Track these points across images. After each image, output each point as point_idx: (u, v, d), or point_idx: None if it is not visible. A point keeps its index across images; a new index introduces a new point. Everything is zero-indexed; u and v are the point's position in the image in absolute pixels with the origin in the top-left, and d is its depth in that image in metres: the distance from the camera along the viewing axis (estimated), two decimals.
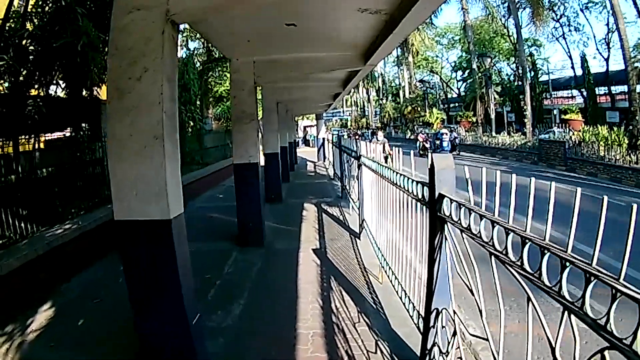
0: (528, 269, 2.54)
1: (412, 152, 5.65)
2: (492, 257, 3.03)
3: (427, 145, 36.53)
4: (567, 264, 2.18)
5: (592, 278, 2.01)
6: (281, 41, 8.75)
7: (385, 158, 8.17)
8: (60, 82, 11.34)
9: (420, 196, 4.68)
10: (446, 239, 3.96)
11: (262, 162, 12.01)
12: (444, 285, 4.07)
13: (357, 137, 39.35)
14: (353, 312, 6.32)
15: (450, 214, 3.72)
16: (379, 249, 7.91)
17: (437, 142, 36.44)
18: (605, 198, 2.12)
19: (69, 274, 8.29)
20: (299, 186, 20.51)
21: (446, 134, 37.42)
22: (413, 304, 5.46)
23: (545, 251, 2.36)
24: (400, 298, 6.09)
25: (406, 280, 5.83)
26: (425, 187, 4.45)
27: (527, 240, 2.53)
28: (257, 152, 10.07)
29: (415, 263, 5.37)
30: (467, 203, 3.41)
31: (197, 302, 5.40)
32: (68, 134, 11.88)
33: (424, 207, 4.62)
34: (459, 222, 3.52)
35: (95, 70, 10.69)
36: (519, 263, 2.64)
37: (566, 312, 2.23)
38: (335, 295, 6.99)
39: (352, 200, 12.75)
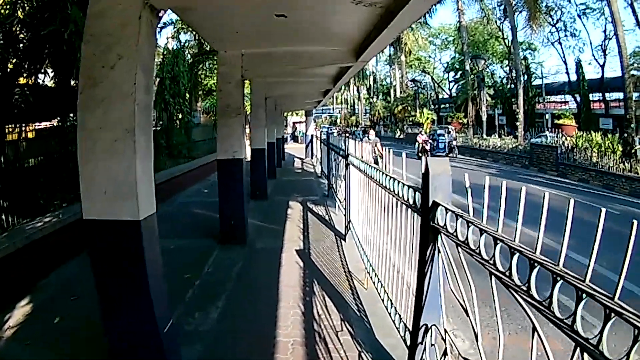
0: (536, 296, 2.21)
1: (403, 153, 5.25)
2: (493, 277, 2.72)
3: (427, 148, 34.50)
4: (584, 295, 1.86)
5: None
6: (271, 34, 8.42)
7: (376, 159, 7.77)
8: (49, 70, 11.20)
9: (411, 202, 4.36)
10: (439, 251, 3.65)
11: (248, 158, 11.75)
12: (434, 300, 3.77)
13: (347, 135, 39.01)
14: (336, 320, 6.04)
15: (445, 225, 3.41)
16: (364, 252, 7.61)
17: (433, 143, 36.74)
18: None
19: (48, 269, 8.03)
20: (285, 183, 20.21)
21: (442, 134, 37.34)
22: (400, 315, 5.15)
23: (558, 278, 2.03)
24: (386, 307, 5.78)
25: (393, 289, 5.51)
26: (417, 193, 4.12)
27: (535, 264, 2.21)
28: (242, 147, 9.77)
29: (403, 271, 5.06)
30: (465, 214, 3.10)
31: (170, 309, 5.17)
32: (55, 124, 11.65)
33: (415, 214, 4.32)
34: (454, 234, 3.21)
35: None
36: (524, 288, 2.32)
37: (578, 349, 1.90)
38: (317, 300, 6.71)
39: (339, 199, 12.50)
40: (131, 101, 4.03)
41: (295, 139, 58.83)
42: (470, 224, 2.96)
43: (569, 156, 26.09)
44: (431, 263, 3.72)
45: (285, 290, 7.11)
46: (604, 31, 50.75)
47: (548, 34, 54.80)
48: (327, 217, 12.53)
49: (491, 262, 2.67)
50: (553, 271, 2.04)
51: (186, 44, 34.07)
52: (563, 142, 28.09)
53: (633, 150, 24.22)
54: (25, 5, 10.26)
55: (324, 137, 20.56)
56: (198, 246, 9.68)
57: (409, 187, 4.46)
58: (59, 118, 11.41)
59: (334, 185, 14.33)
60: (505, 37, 59.13)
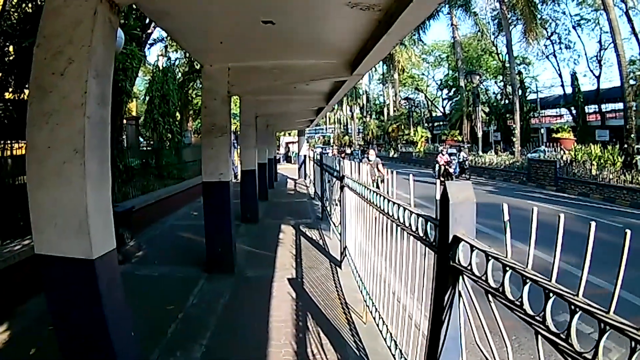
0: None
1: (410, 177, 4.51)
2: (539, 336, 2.05)
3: (451, 170, 30.16)
4: None
5: None
6: (258, 45, 7.87)
7: (377, 182, 6.95)
8: None
9: (422, 234, 3.65)
10: (461, 296, 2.94)
11: (239, 179, 11.20)
12: (453, 352, 3.08)
13: (343, 155, 38.33)
14: None
15: (470, 266, 2.72)
16: (362, 283, 6.89)
17: (435, 163, 33.21)
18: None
19: (26, 295, 7.44)
20: (277, 205, 19.61)
21: (454, 154, 33.23)
22: (406, 358, 4.43)
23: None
24: (389, 347, 5.04)
25: (398, 328, 4.78)
26: (430, 224, 3.46)
27: (606, 326, 1.57)
28: (229, 169, 9.13)
29: (411, 309, 4.36)
30: (500, 255, 2.42)
31: (139, 354, 4.49)
32: None
33: (427, 248, 3.61)
34: (484, 279, 2.53)
35: None
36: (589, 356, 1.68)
37: None
38: (311, 338, 6.06)
39: (333, 223, 11.82)
40: (80, 114, 3.41)
41: (288, 159, 58.53)
42: (508, 269, 2.28)
43: (568, 170, 25.72)
44: (450, 309, 3.01)
45: (276, 327, 6.44)
46: (599, 42, 51.62)
47: (542, 47, 55.06)
48: (321, 242, 11.88)
49: (539, 319, 2.04)
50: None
51: (177, 62, 33.78)
52: (561, 157, 27.75)
53: (634, 161, 23.92)
54: (13, 17, 9.93)
55: (317, 157, 19.83)
56: (183, 275, 9.04)
57: (421, 216, 3.74)
58: None
59: (328, 208, 13.65)
60: (499, 52, 59.85)
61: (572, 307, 1.81)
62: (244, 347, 5.91)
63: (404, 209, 4.24)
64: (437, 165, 31.17)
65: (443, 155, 30.85)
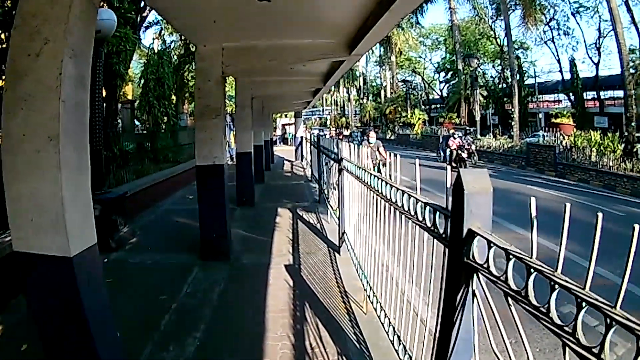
0: None
1: (416, 161, 4.10)
2: (567, 348, 1.80)
3: (465, 156, 27.10)
4: None
5: None
6: (254, 24, 7.60)
7: (378, 165, 6.54)
8: None
9: (430, 225, 3.36)
10: (475, 296, 2.65)
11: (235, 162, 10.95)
12: (464, 356, 2.82)
13: (341, 137, 37.83)
14: (332, 353, 5.18)
15: (487, 264, 2.44)
16: (362, 271, 6.63)
17: (447, 147, 30.79)
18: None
19: (19, 289, 7.05)
20: (274, 188, 19.39)
21: (459, 137, 29.86)
22: (410, 355, 4.17)
23: None
24: (392, 342, 4.78)
25: (401, 321, 4.52)
26: (440, 215, 3.16)
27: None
28: (223, 152, 8.87)
29: (416, 303, 4.11)
30: (523, 254, 2.15)
31: (123, 354, 4.25)
32: None
33: (436, 241, 3.32)
34: (503, 279, 2.26)
35: None
36: None
37: None
38: (310, 329, 5.81)
39: (331, 206, 11.58)
40: (55, 98, 3.14)
41: (284, 141, 58.45)
42: (532, 271, 2.01)
43: (568, 156, 25.55)
44: (462, 309, 2.74)
45: (272, 317, 6.20)
46: (598, 29, 51.03)
47: (541, 32, 54.68)
48: (318, 226, 11.64)
49: (569, 330, 1.79)
50: None
51: (172, 45, 33.51)
52: (561, 142, 27.44)
53: (635, 150, 23.60)
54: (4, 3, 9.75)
55: (314, 139, 19.61)
56: (177, 262, 8.78)
57: (429, 205, 3.44)
58: None
59: (326, 191, 13.42)
60: (497, 36, 59.55)
61: (608, 320, 1.59)
62: (239, 340, 5.67)
63: (409, 196, 3.93)
64: (447, 150, 28.38)
65: (455, 138, 28.28)
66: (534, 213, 2.04)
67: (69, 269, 3.30)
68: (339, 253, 8.96)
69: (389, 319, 4.94)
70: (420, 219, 3.59)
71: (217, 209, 8.87)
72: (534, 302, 2.02)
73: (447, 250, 3.02)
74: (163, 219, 13.12)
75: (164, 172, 17.83)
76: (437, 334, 3.09)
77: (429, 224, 3.40)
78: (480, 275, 2.54)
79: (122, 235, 9.95)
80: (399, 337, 4.54)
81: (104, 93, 18.39)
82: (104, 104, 18.36)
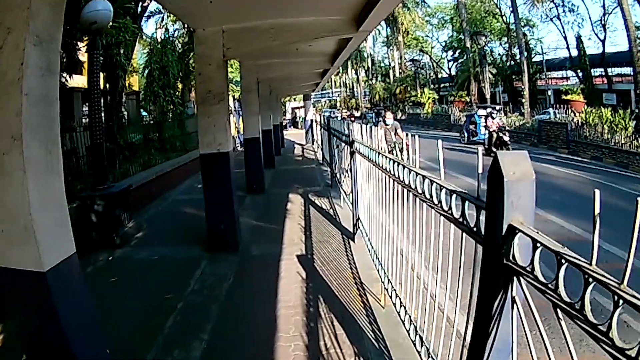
0: None
1: (439, 142, 3.50)
2: None
3: (507, 139, 22.75)
4: None
5: None
6: (255, 3, 7.29)
7: (396, 148, 5.98)
8: None
9: (460, 217, 2.91)
10: (514, 302, 2.19)
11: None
12: None
13: (353, 119, 37.28)
14: (349, 355, 4.78)
15: (532, 267, 1.99)
16: (379, 261, 6.23)
17: (472, 127, 29.27)
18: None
19: None
20: (284, 173, 19.12)
21: (484, 116, 26.64)
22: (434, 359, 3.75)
23: None
24: (414, 343, 4.36)
25: (423, 319, 4.09)
26: (471, 206, 2.71)
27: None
28: (228, 139, 8.46)
29: (441, 299, 3.63)
30: (580, 258, 1.69)
31: None
32: None
33: (466, 235, 2.88)
34: (552, 286, 1.83)
35: None
36: None
37: None
38: (324, 327, 5.43)
39: (344, 191, 11.20)
40: (16, 92, 2.73)
41: (295, 124, 58.49)
42: (591, 280, 1.58)
43: (580, 133, 24.95)
44: (499, 318, 2.28)
45: (284, 315, 5.83)
46: (602, 5, 50.54)
47: (547, 9, 54.05)
48: (331, 212, 11.28)
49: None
50: None
51: (176, 33, 33.23)
52: (572, 119, 26.84)
53: None
54: None
55: (324, 121, 19.17)
56: (185, 256, 8.48)
57: (457, 194, 2.96)
58: None
59: (338, 175, 13.11)
60: (502, 14, 59.27)
61: None
62: (249, 341, 5.32)
63: (431, 181, 3.45)
64: (485, 132, 24.50)
65: (493, 118, 24.03)
66: (597, 210, 1.61)
67: (43, 286, 2.92)
68: (353, 240, 8.57)
69: (410, 317, 4.51)
70: (446, 209, 3.13)
71: (224, 199, 8.55)
72: (592, 318, 1.59)
73: (479, 246, 2.58)
74: (171, 210, 12.85)
75: (171, 161, 17.54)
76: (470, 343, 2.67)
77: (456, 215, 2.96)
78: (522, 279, 2.10)
79: (127, 231, 9.67)
80: (421, 337, 4.12)
81: (107, 85, 18.13)
82: (108, 96, 18.11)
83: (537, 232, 2.01)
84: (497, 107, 32.83)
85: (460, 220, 2.89)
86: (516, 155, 2.21)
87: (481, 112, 29.09)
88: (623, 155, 20.99)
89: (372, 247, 6.82)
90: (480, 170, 2.47)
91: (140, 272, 7.86)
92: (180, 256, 8.49)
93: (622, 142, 21.51)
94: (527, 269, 2.03)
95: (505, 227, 2.18)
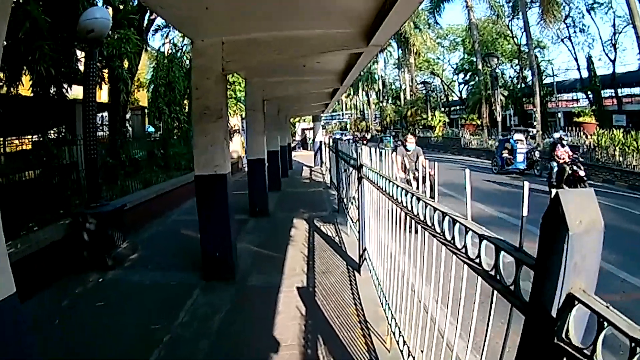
0: None
1: (466, 171, 2.80)
2: None
3: (582, 174, 17.24)
4: None
5: None
6: (256, 12, 6.81)
7: (417, 179, 5.29)
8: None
9: (492, 271, 2.24)
10: None
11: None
12: None
13: (365, 142, 36.77)
14: None
15: (594, 353, 1.35)
16: (385, 299, 5.63)
17: (506, 153, 25.69)
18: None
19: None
20: (290, 196, 18.64)
21: (521, 141, 24.81)
22: None
23: None
24: None
25: None
26: (508, 259, 2.05)
27: None
28: (226, 159, 7.92)
29: (457, 347, 3.04)
30: None
31: None
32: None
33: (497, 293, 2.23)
34: None
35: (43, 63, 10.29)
36: None
37: None
38: None
39: (350, 218, 10.62)
40: None
41: (304, 146, 58.66)
42: None
43: (592, 156, 24.58)
44: None
45: (279, 356, 5.30)
46: (613, 25, 50.47)
47: (557, 30, 54.17)
48: (337, 239, 10.72)
49: None
50: None
51: (184, 48, 33.17)
52: (584, 142, 26.38)
53: None
54: None
55: (332, 144, 18.71)
56: (177, 282, 8.01)
57: (491, 241, 2.24)
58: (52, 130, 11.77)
59: (345, 200, 12.51)
60: (514, 35, 59.72)
61: None
62: None
63: (453, 220, 2.78)
64: (553, 164, 18.37)
65: (563, 145, 18.52)
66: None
67: None
68: (359, 272, 7.99)
69: None
70: (474, 257, 2.46)
71: (220, 225, 7.99)
72: None
73: (525, 320, 1.91)
74: (169, 231, 12.43)
75: (172, 180, 17.23)
76: None
77: (486, 267, 2.29)
78: None
79: (120, 252, 9.28)
80: None
81: (106, 98, 17.82)
82: (112, 111, 17.77)
83: (607, 307, 1.40)
84: (533, 130, 32.19)
85: (493, 274, 2.23)
86: (582, 195, 1.58)
87: (518, 135, 26.23)
88: (635, 177, 20.77)
89: (379, 282, 6.20)
90: (525, 213, 1.87)
91: (128, 297, 7.45)
92: (172, 282, 8.03)
93: (634, 164, 21.29)
94: (585, 352, 1.43)
95: (563, 296, 1.55)
